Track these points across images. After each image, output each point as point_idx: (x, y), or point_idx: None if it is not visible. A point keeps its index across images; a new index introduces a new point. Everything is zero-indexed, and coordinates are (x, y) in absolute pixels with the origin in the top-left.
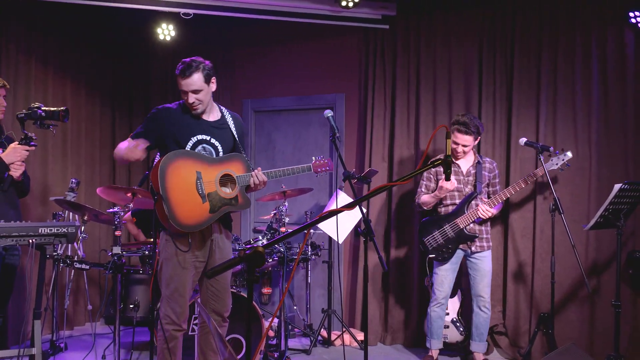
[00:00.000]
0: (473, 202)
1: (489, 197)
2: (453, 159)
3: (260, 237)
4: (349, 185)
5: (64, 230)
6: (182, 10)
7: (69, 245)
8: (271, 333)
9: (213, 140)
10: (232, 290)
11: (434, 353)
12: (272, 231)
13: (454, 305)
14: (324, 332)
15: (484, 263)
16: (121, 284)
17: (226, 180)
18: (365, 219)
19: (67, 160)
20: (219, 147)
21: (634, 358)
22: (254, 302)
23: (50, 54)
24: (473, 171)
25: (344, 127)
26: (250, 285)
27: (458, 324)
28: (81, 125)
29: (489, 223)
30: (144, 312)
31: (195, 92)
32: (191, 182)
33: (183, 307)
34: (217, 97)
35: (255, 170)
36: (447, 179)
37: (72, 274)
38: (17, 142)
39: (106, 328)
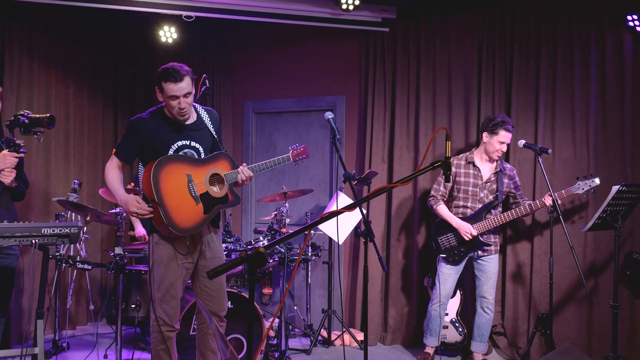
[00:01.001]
0: (493, 210)
1: (510, 208)
2: (474, 161)
3: (261, 238)
4: (349, 187)
5: (67, 230)
6: (184, 13)
7: (72, 245)
8: (272, 333)
9: (194, 144)
10: (234, 290)
11: (430, 350)
12: (273, 232)
13: (453, 306)
14: (324, 332)
15: (490, 265)
16: (123, 284)
17: (214, 179)
18: (365, 220)
19: (69, 161)
20: (200, 149)
21: (631, 359)
22: (254, 303)
23: (53, 56)
24: (493, 178)
25: (344, 129)
26: (252, 286)
27: (457, 325)
28: (84, 126)
29: (499, 228)
30: (145, 312)
31: (187, 95)
32: (183, 186)
33: (175, 309)
34: (218, 98)
35: (241, 167)
36: (447, 180)
37: (75, 274)
38: (7, 150)
39: (108, 328)
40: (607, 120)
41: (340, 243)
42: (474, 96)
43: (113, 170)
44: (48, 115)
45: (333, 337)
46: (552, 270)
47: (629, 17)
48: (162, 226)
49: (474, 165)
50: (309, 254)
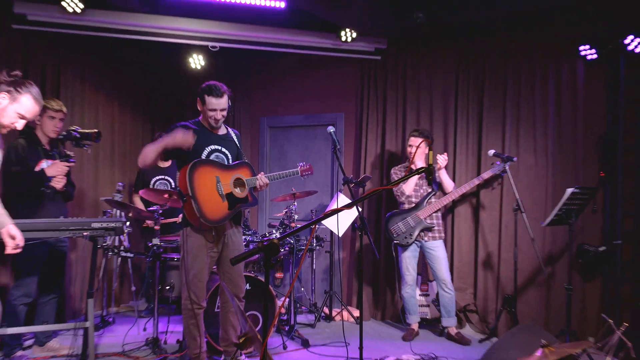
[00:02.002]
0: (432, 198)
1: (445, 194)
2: (411, 162)
3: (274, 231)
4: (348, 189)
5: (112, 224)
6: (210, 44)
7: (117, 237)
8: (283, 310)
9: (224, 150)
10: (251, 274)
11: (414, 326)
12: (283, 226)
13: (433, 289)
14: (326, 310)
15: (437, 251)
16: (159, 269)
17: (237, 183)
18: (360, 216)
19: (114, 168)
20: (229, 155)
21: (581, 331)
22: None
23: (101, 79)
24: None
25: (344, 140)
26: (267, 271)
27: (436, 304)
28: (126, 139)
29: (440, 216)
30: (177, 292)
31: (223, 110)
32: (213, 185)
33: (202, 290)
34: (238, 115)
35: (259, 175)
36: (429, 183)
37: (119, 261)
38: (59, 160)
39: (147, 305)
40: (562, 133)
41: (340, 235)
42: (451, 113)
43: (151, 152)
44: (96, 130)
45: (334, 313)
46: (517, 259)
47: (581, 48)
48: (194, 219)
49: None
50: (314, 244)
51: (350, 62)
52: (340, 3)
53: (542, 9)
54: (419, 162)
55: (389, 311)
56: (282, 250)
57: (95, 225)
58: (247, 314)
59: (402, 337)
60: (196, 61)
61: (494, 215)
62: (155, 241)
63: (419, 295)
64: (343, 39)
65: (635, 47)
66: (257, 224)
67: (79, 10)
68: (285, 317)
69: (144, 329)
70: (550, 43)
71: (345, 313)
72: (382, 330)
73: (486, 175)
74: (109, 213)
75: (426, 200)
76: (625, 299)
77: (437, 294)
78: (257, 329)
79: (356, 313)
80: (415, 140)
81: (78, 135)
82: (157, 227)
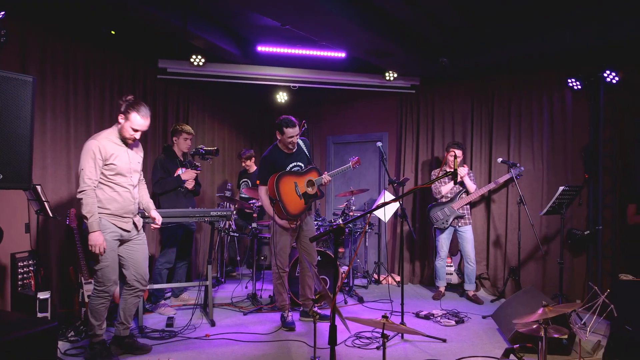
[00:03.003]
0: (463, 195)
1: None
2: (447, 169)
3: (337, 218)
4: (392, 187)
5: (224, 213)
6: (291, 84)
7: (227, 222)
8: (344, 275)
9: (299, 163)
10: (321, 249)
11: (442, 289)
12: (344, 215)
13: (455, 261)
14: (375, 275)
15: (467, 234)
16: (256, 245)
17: (309, 183)
18: (401, 207)
19: (225, 173)
20: (303, 165)
21: (570, 295)
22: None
23: (216, 111)
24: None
25: (387, 152)
26: (336, 247)
27: (458, 273)
28: (233, 153)
29: (469, 208)
30: (268, 261)
31: (296, 136)
32: (292, 189)
33: (286, 259)
34: (311, 135)
35: (324, 174)
36: (455, 182)
37: (228, 239)
38: (190, 168)
39: (247, 270)
40: (555, 145)
41: (386, 221)
42: (468, 131)
43: (265, 196)
44: (216, 148)
45: (381, 278)
46: (520, 240)
47: (569, 80)
48: (281, 214)
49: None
50: (367, 228)
51: (392, 95)
52: (385, 52)
53: (538, 52)
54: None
55: (422, 277)
56: (345, 232)
57: (213, 213)
58: (319, 277)
59: (432, 297)
60: (281, 97)
61: (502, 207)
62: (254, 224)
63: (446, 266)
64: (387, 78)
65: (612, 79)
66: (326, 213)
67: (201, 64)
68: (346, 281)
69: (246, 287)
70: (545, 77)
71: (389, 278)
72: (416, 291)
73: (505, 178)
74: (221, 205)
75: (459, 196)
76: (604, 271)
77: (459, 265)
78: (326, 287)
79: (398, 278)
80: (458, 151)
81: (203, 152)
82: (254, 215)
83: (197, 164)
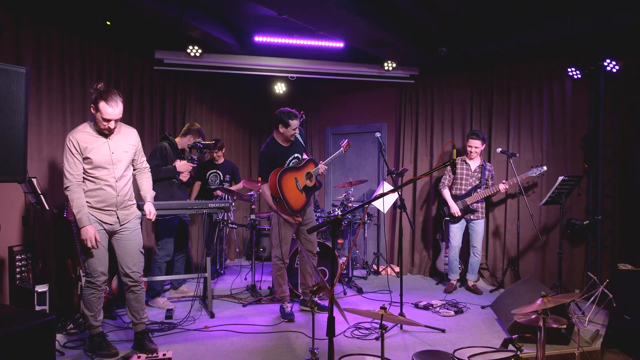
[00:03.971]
0: (479, 190)
1: (487, 187)
2: (466, 159)
3: (336, 210)
4: (390, 178)
5: (223, 205)
6: (289, 75)
7: (226, 213)
8: (343, 266)
9: (297, 155)
10: (321, 240)
11: (454, 282)
12: (343, 206)
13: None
14: (374, 266)
15: (479, 227)
16: (255, 236)
17: (308, 176)
18: (400, 198)
19: None
20: (299, 156)
21: (569, 285)
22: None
23: (213, 103)
24: (478, 170)
25: (386, 143)
26: (334, 238)
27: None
28: (232, 144)
29: (483, 202)
30: (268, 253)
31: (296, 128)
32: (294, 185)
33: (286, 251)
34: (310, 126)
35: (320, 164)
36: (454, 173)
37: (227, 230)
38: (186, 161)
39: (247, 262)
40: (554, 134)
41: (385, 212)
42: (467, 121)
43: (269, 193)
44: (213, 141)
45: (380, 269)
46: (519, 230)
47: (569, 69)
48: (285, 210)
49: (466, 163)
50: (366, 219)
51: (391, 85)
52: (384, 43)
53: (538, 41)
54: (476, 158)
55: (421, 268)
56: (343, 223)
57: (211, 205)
58: (318, 268)
59: (445, 290)
60: (279, 88)
61: (501, 197)
62: (252, 216)
63: (444, 256)
64: (386, 68)
65: (612, 68)
66: (325, 204)
67: (198, 55)
68: (345, 272)
69: (245, 279)
70: (544, 66)
71: (388, 269)
72: (415, 282)
73: (524, 176)
74: (219, 197)
75: (474, 191)
76: (603, 261)
77: (459, 256)
78: (325, 279)
79: (397, 269)
80: (474, 142)
81: (201, 146)
82: (253, 207)
83: (193, 157)
